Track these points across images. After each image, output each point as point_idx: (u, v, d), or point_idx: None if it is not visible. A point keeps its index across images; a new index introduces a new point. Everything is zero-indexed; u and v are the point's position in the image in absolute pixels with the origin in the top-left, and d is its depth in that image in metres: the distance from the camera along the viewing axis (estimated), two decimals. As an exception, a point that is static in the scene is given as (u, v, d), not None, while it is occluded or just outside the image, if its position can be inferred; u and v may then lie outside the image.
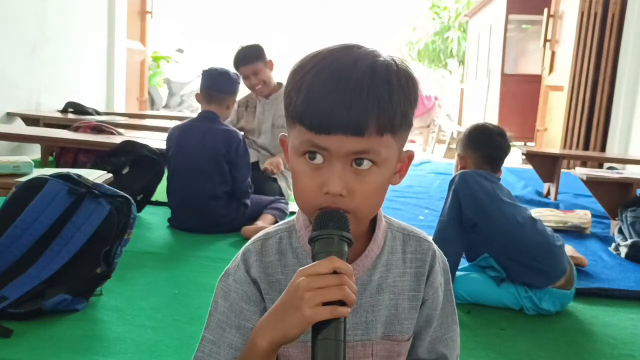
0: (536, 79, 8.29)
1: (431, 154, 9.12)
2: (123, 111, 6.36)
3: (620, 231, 3.33)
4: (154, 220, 3.29)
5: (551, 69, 7.45)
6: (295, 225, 0.91)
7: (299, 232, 0.90)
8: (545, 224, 2.40)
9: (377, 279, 0.90)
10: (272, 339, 0.77)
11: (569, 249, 2.75)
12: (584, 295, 2.44)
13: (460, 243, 2.27)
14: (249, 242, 0.92)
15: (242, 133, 3.21)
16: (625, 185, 3.65)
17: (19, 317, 1.85)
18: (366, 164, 0.78)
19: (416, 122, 3.76)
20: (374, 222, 0.90)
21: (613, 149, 6.31)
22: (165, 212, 3.29)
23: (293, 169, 0.82)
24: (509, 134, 2.38)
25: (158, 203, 3.55)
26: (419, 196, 4.61)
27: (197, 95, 3.29)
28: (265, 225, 2.92)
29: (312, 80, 0.77)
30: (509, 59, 10.09)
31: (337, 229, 0.77)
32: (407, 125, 0.81)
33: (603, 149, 6.54)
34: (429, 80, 14.96)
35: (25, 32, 4.96)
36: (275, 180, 3.62)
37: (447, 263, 0.97)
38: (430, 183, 5.35)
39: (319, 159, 0.79)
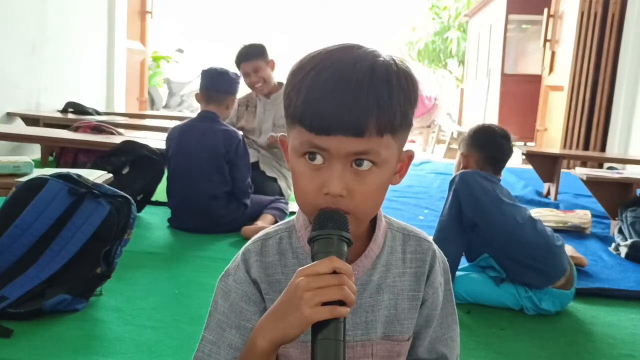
0: (536, 79, 8.28)
1: (431, 154, 9.13)
2: (123, 111, 6.35)
3: (620, 231, 3.34)
4: (154, 220, 3.29)
5: (551, 69, 7.45)
6: (295, 226, 0.91)
7: (299, 232, 0.90)
8: (545, 224, 2.41)
9: (377, 279, 0.90)
10: (272, 339, 0.76)
11: (569, 249, 2.75)
12: (584, 295, 2.45)
13: (460, 243, 2.27)
14: (249, 242, 0.92)
15: (241, 133, 3.21)
16: (625, 185, 3.65)
17: (19, 317, 1.85)
18: (366, 164, 0.78)
19: (416, 122, 3.76)
20: (374, 222, 0.90)
21: (613, 149, 6.31)
22: (165, 212, 3.29)
23: (293, 169, 0.82)
24: (512, 136, 2.39)
25: (158, 203, 3.55)
26: (419, 196, 4.60)
27: (196, 95, 3.29)
28: (265, 225, 2.92)
29: (312, 81, 0.77)
30: (509, 59, 10.08)
31: (337, 229, 0.77)
32: (407, 126, 0.81)
33: (603, 149, 6.54)
34: (429, 80, 14.96)
35: (25, 32, 4.96)
36: (275, 180, 3.62)
37: (447, 263, 0.97)
38: (430, 183, 5.34)
39: (319, 159, 0.79)
